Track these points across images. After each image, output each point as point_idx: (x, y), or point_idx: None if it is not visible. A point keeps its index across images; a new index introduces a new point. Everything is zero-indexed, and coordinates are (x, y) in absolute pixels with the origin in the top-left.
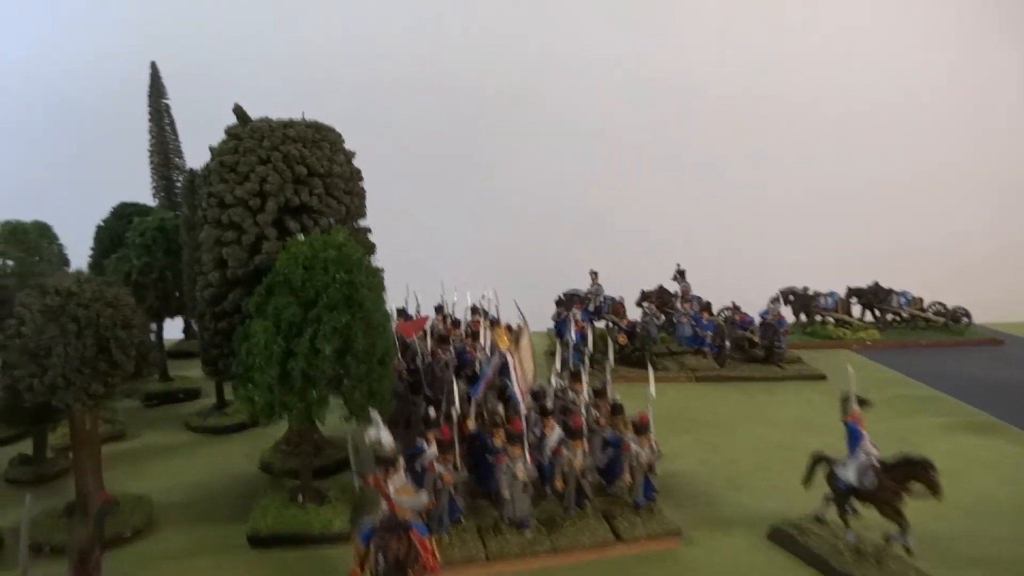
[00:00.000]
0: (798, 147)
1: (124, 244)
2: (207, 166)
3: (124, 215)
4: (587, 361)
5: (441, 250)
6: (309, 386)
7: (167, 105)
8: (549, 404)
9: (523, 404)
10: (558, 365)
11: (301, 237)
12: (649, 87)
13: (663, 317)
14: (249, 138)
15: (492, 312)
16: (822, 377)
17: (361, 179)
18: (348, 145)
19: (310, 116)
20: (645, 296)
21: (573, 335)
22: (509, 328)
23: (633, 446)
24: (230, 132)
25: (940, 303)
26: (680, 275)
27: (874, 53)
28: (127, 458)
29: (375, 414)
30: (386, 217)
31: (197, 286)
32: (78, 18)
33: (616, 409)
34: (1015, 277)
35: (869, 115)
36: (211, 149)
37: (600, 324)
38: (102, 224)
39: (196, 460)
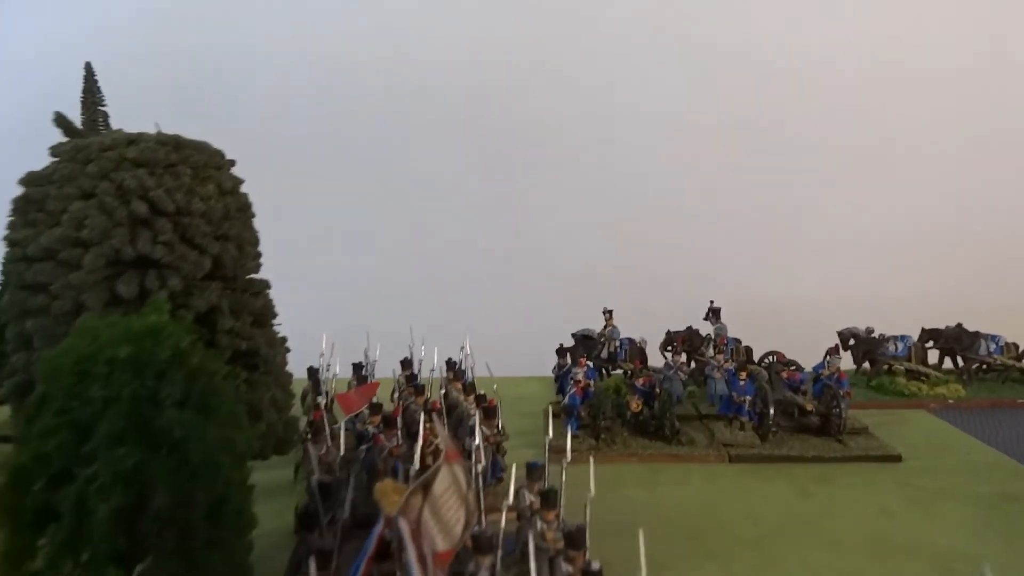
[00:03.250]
0: (870, 157)
1: None
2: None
3: None
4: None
5: (419, 275)
6: (69, 560)
7: (105, 113)
8: None
9: None
10: (549, 433)
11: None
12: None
13: (691, 366)
14: (69, 161)
15: (470, 371)
16: (896, 459)
17: (248, 215)
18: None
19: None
20: (671, 339)
21: (569, 398)
22: (425, 465)
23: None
24: (53, 151)
25: None
26: (714, 314)
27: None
28: None
29: None
30: (350, 240)
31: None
32: None
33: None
34: None
35: (955, 120)
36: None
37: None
38: None
39: None
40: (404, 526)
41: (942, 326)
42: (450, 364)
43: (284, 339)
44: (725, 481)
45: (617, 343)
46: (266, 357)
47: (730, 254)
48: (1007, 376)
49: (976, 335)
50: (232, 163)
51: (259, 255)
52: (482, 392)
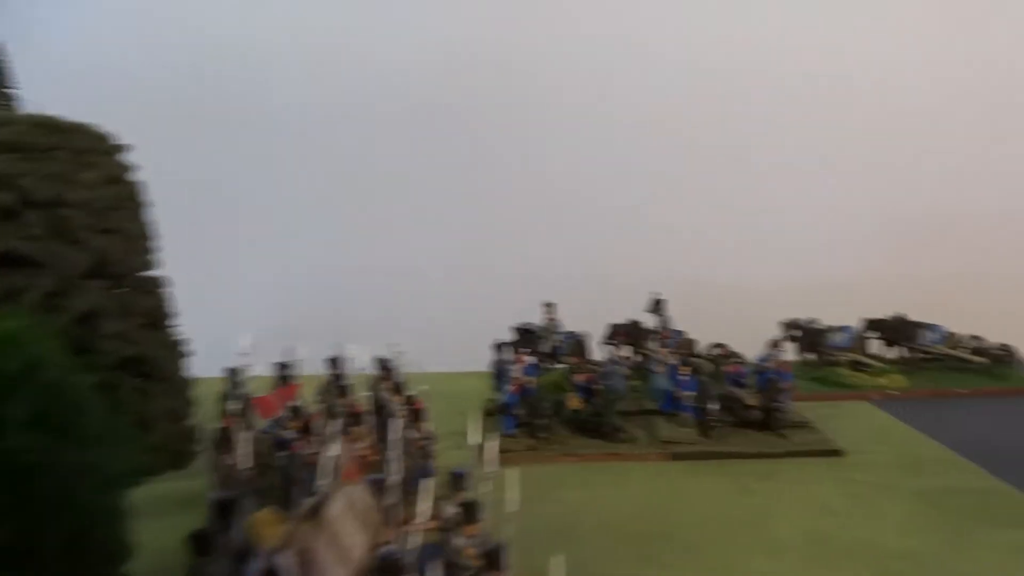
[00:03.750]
0: (816, 145)
1: None
2: None
3: None
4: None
5: (353, 268)
6: None
7: (9, 95)
8: None
9: None
10: (477, 438)
11: None
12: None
13: (635, 359)
14: None
15: (401, 369)
16: (838, 453)
17: (138, 206)
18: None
19: None
20: (614, 333)
21: (507, 395)
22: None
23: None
24: None
25: (978, 338)
26: (656, 306)
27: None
28: None
29: None
30: (281, 234)
31: None
32: None
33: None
34: None
35: (898, 114)
36: None
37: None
38: None
39: None
40: (289, 560)
41: (885, 314)
42: (381, 362)
43: (182, 342)
44: (666, 480)
45: (559, 337)
46: (159, 362)
47: (675, 244)
48: (947, 365)
49: (917, 325)
50: (121, 148)
51: (152, 250)
52: (412, 393)
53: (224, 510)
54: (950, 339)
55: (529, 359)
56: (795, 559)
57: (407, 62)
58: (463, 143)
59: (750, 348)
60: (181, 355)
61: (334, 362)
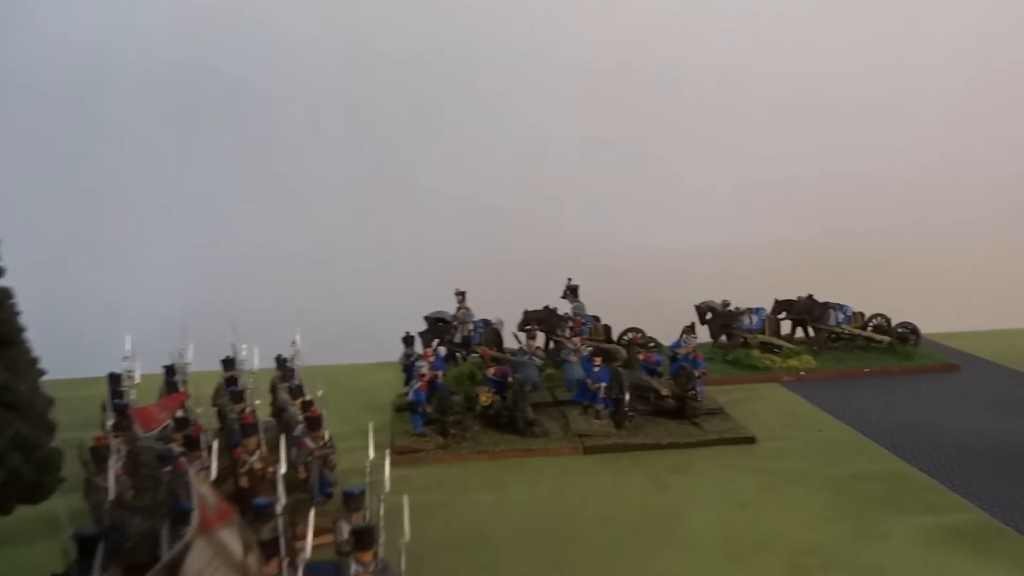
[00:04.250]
0: (720, 125)
1: None
2: None
3: None
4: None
5: (254, 257)
6: None
7: None
8: None
9: None
10: (370, 452)
11: None
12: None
13: (549, 347)
14: None
15: (300, 369)
16: (751, 440)
17: None
18: None
19: None
20: (528, 320)
21: (413, 393)
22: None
23: (308, 441)
24: None
25: (882, 316)
26: (571, 292)
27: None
28: None
29: None
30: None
31: None
32: None
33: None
34: (965, 278)
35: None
36: None
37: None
38: None
39: None
40: None
41: (795, 294)
42: (280, 361)
43: (35, 359)
44: (579, 476)
45: (471, 326)
46: (3, 385)
47: (589, 226)
48: (854, 345)
49: (826, 306)
50: None
51: None
52: (309, 398)
53: (86, 547)
54: (856, 319)
55: (440, 351)
56: (707, 556)
57: (310, 41)
58: (366, 126)
59: (660, 324)
60: (38, 373)
61: (228, 363)
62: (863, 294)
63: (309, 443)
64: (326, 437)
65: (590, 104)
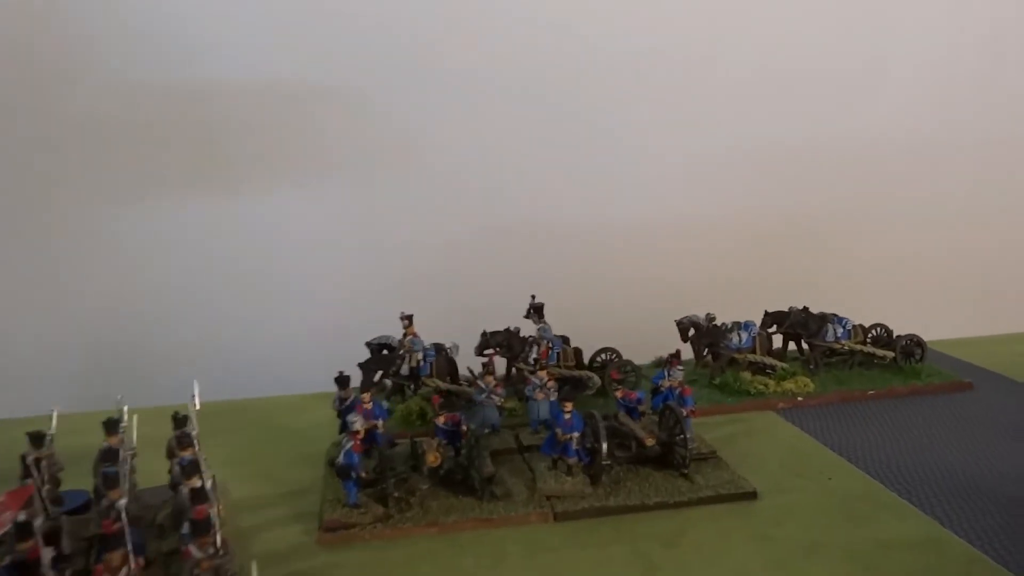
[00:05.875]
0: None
1: None
2: None
3: None
4: None
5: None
6: None
7: None
8: None
9: None
10: None
11: None
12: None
13: (510, 376)
14: None
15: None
16: (751, 495)
17: None
18: None
19: None
20: (487, 343)
21: (344, 455)
22: None
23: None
24: None
25: (882, 326)
26: (535, 312)
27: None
28: None
29: None
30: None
31: None
32: None
33: None
34: (968, 279)
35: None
36: None
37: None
38: None
39: None
40: None
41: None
42: (177, 421)
43: None
44: (550, 553)
45: (420, 354)
46: None
47: (550, 204)
48: (854, 361)
49: (823, 318)
50: None
51: None
52: (199, 484)
53: None
54: (855, 332)
55: (386, 387)
56: None
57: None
58: (292, 122)
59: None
60: None
61: (110, 425)
62: (860, 296)
63: (195, 551)
64: (218, 543)
65: (546, 82)
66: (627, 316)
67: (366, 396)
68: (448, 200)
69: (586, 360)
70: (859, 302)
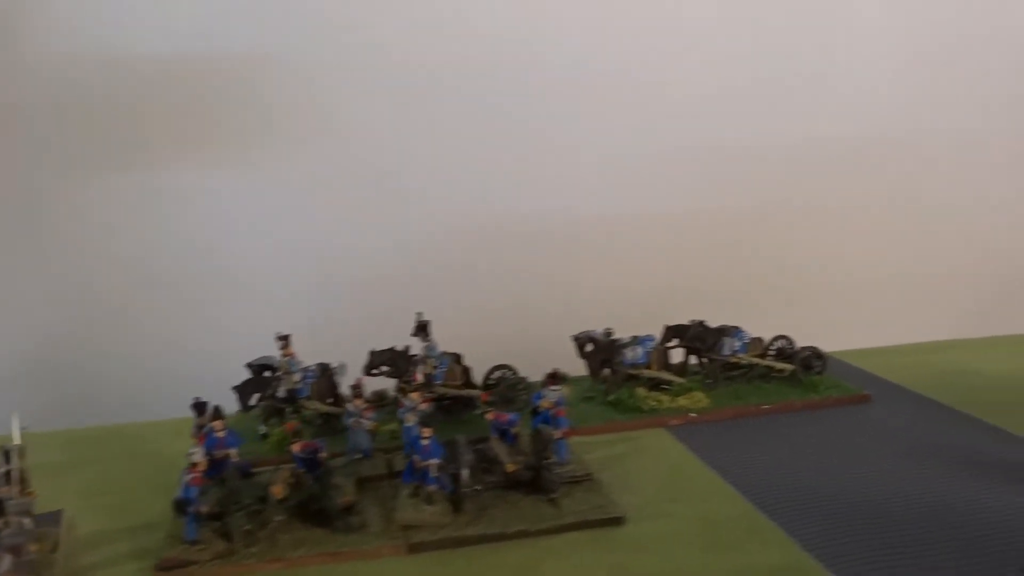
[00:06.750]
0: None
1: None
2: None
3: None
4: None
5: None
6: None
7: None
8: None
9: None
10: None
11: None
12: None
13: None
14: None
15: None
16: (618, 521)
17: None
18: None
19: None
20: (375, 363)
21: (182, 489)
22: None
23: None
24: None
25: (785, 338)
26: (421, 330)
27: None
28: None
29: None
30: None
31: None
32: None
33: None
34: (875, 287)
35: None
36: None
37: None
38: None
39: None
40: None
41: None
42: (5, 454)
43: None
44: None
45: (298, 376)
46: None
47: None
48: (753, 375)
49: (720, 332)
50: None
51: None
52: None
53: None
54: (754, 345)
55: (218, 428)
56: None
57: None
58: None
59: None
60: None
61: None
62: (774, 309)
63: None
64: None
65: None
66: (539, 330)
67: (218, 424)
68: (371, 203)
69: (480, 378)
70: (773, 315)
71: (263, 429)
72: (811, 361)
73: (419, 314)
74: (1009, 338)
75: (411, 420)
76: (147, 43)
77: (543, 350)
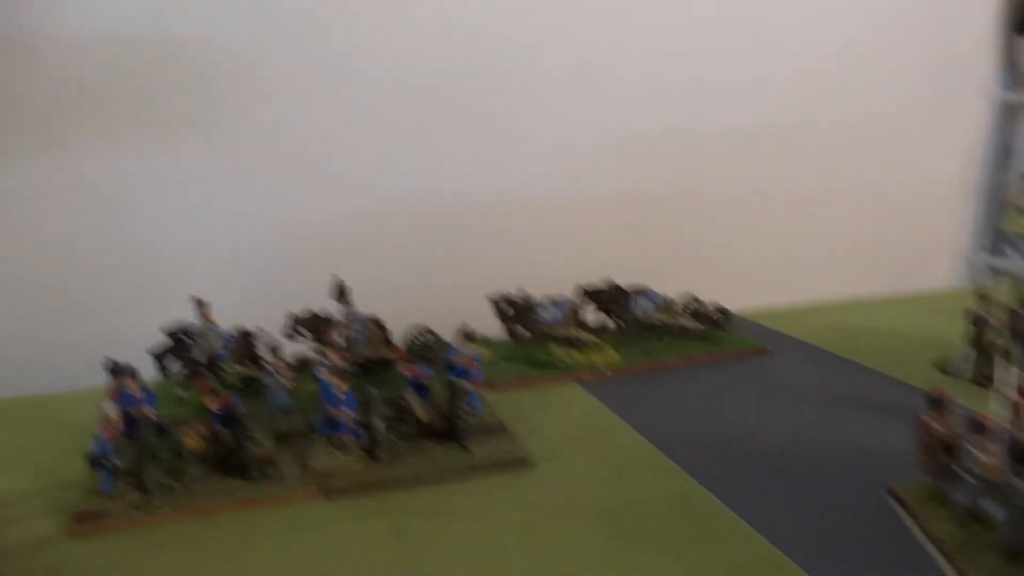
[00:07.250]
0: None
1: None
2: None
3: None
4: None
5: None
6: None
7: None
8: None
9: None
10: None
11: None
12: None
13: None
14: None
15: None
16: (524, 463)
17: None
18: None
19: None
20: (295, 324)
21: (95, 443)
22: None
23: None
24: None
25: (696, 300)
26: (341, 293)
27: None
28: None
29: None
30: None
31: None
32: None
33: None
34: (780, 250)
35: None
36: None
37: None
38: None
39: None
40: None
41: (601, 281)
42: None
43: None
44: (310, 532)
45: (218, 343)
46: None
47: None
48: (664, 333)
49: (633, 292)
50: None
51: None
52: None
53: None
54: (666, 305)
55: (133, 386)
56: None
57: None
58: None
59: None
60: None
61: None
62: (675, 274)
63: None
64: None
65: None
66: (468, 304)
67: (132, 382)
68: (309, 180)
69: (401, 341)
70: (686, 282)
71: (182, 393)
72: (716, 318)
73: (335, 276)
74: (899, 298)
75: (326, 375)
76: (75, 25)
77: (472, 321)
